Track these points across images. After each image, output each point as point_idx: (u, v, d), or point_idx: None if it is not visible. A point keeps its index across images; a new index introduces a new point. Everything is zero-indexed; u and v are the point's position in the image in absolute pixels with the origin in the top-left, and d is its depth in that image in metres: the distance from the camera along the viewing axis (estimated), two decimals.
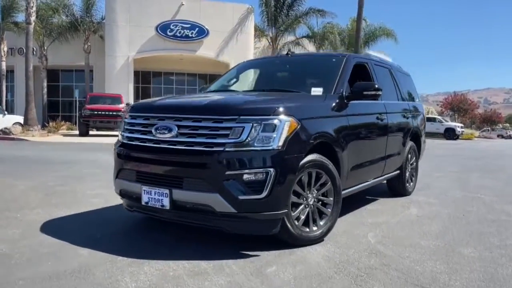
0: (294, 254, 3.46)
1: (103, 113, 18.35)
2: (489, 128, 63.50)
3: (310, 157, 3.56)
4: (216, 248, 3.55)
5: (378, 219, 4.68)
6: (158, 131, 3.53)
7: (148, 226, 4.18)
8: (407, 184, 6.10)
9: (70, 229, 4.05)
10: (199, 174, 3.32)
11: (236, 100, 3.65)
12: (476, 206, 5.60)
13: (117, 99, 20.41)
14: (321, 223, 3.74)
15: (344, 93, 4.27)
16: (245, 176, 3.25)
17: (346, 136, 4.12)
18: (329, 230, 3.81)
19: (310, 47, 32.42)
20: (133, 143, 3.74)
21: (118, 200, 5.27)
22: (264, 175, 3.26)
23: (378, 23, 33.32)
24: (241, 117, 3.30)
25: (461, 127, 39.17)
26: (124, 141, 3.84)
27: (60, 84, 33.21)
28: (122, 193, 3.88)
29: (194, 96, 4.56)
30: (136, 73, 29.91)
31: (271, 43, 31.42)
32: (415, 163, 6.40)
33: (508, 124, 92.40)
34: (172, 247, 3.60)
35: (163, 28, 28.15)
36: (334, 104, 4.09)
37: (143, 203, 3.56)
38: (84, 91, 28.93)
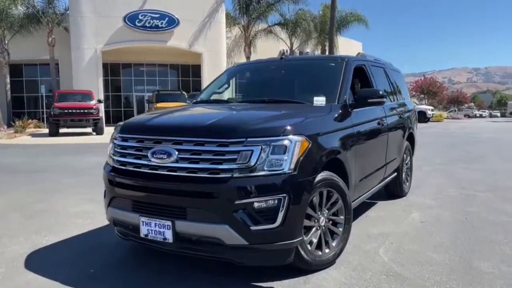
0: (310, 282, 3.22)
1: (74, 111, 17.59)
2: (456, 109, 65.12)
3: (320, 176, 3.31)
4: (225, 278, 3.29)
5: (383, 229, 4.50)
6: (155, 156, 3.19)
7: (146, 252, 3.85)
8: (404, 185, 5.97)
9: (59, 262, 3.68)
10: (204, 204, 3.02)
11: (241, 120, 3.33)
12: (475, 206, 5.52)
13: (87, 95, 19.59)
14: (333, 244, 3.52)
15: (348, 101, 4.02)
16: (256, 204, 2.97)
17: (354, 148, 3.89)
18: (341, 250, 3.59)
19: (282, 35, 32.11)
20: (127, 168, 3.39)
21: (106, 220, 4.94)
22: (277, 202, 2.99)
23: (350, 8, 33.33)
24: (249, 139, 3.00)
25: (432, 110, 39.94)
26: (116, 166, 3.48)
27: (24, 79, 31.77)
28: (116, 223, 3.54)
29: (190, 111, 4.20)
30: (105, 66, 28.91)
31: (243, 32, 30.93)
32: (409, 163, 6.27)
33: (473, 104, 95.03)
34: (175, 278, 3.31)
35: (131, 19, 27.20)
36: (339, 115, 3.84)
37: (142, 235, 3.24)
38: (50, 85, 27.78)
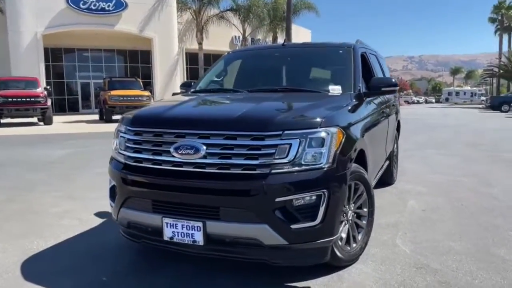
0: (345, 280, 3.09)
1: (19, 99, 16.31)
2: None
3: (351, 168, 3.18)
4: (254, 279, 3.09)
5: (389, 219, 4.47)
6: (180, 151, 2.90)
7: (158, 253, 3.55)
8: (394, 173, 6.01)
9: (61, 270, 3.30)
10: (241, 202, 2.78)
11: (276, 112, 3.09)
12: (463, 192, 5.66)
13: (32, 82, 18.22)
14: (359, 237, 3.42)
15: (362, 90, 3.91)
16: (296, 202, 2.78)
17: (369, 138, 3.78)
18: (366, 244, 3.49)
19: (235, 21, 31.69)
20: (143, 165, 3.07)
21: (96, 219, 4.55)
22: (317, 198, 2.82)
23: None
24: (286, 132, 2.79)
25: None
26: (129, 163, 3.15)
27: None
28: (131, 225, 3.21)
29: (206, 102, 3.88)
30: (45, 50, 27.08)
31: (194, 17, 30.16)
32: (397, 150, 6.33)
33: (411, 91, 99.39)
34: (199, 281, 3.07)
35: (75, 0, 25.65)
36: (358, 105, 3.70)
37: (165, 238, 2.95)
38: None
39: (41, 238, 3.99)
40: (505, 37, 55.40)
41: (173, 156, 2.93)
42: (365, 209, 3.48)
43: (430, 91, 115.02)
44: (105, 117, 19.48)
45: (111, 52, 31.57)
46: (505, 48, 54.66)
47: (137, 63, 31.98)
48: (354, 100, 3.66)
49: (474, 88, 77.33)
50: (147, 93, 19.68)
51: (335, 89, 3.78)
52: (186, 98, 4.02)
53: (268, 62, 4.62)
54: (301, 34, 36.17)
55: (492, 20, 55.16)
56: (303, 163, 2.79)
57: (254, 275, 3.17)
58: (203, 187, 2.85)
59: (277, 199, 2.73)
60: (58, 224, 4.41)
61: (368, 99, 4.00)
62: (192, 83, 4.70)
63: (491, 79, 59.61)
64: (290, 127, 2.82)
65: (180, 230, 2.90)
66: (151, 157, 3.04)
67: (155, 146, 3.04)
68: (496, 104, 34.37)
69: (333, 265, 3.20)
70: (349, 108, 3.48)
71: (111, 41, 29.47)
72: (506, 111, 32.11)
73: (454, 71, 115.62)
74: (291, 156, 2.76)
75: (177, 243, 2.94)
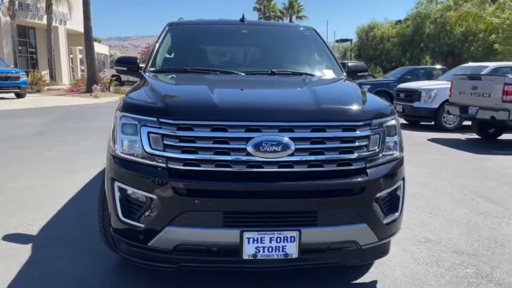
0: (396, 267, 3.12)
1: None
2: None
3: None
4: (319, 282, 2.82)
5: None
6: (262, 149, 2.35)
7: None
8: None
9: None
10: (342, 203, 2.46)
11: (357, 98, 2.77)
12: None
13: None
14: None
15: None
16: (386, 195, 2.64)
17: None
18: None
19: None
20: (203, 169, 2.37)
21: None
22: (399, 189, 2.74)
23: None
24: (374, 121, 2.59)
25: None
26: (176, 167, 2.37)
27: None
28: (179, 249, 2.44)
29: (265, 86, 3.24)
30: None
31: None
32: None
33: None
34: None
35: None
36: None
37: (245, 256, 2.37)
38: None
39: None
40: None
41: (250, 155, 2.36)
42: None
43: None
44: None
45: None
46: None
47: None
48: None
49: None
50: None
51: (329, 74, 3.67)
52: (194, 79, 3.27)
53: (238, 40, 4.09)
54: None
55: (258, 10, 61.60)
56: (386, 154, 2.65)
57: (315, 277, 2.89)
58: (296, 190, 2.40)
59: (377, 195, 2.54)
60: None
61: None
62: (138, 61, 3.80)
63: None
64: (377, 116, 2.63)
65: (268, 245, 2.38)
66: (214, 157, 2.37)
67: (218, 144, 2.38)
68: None
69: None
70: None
71: None
72: None
73: None
74: (380, 147, 2.60)
75: (260, 261, 2.42)
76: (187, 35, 4.13)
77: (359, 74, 4.06)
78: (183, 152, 2.38)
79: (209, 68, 3.63)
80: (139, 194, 2.46)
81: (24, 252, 3.25)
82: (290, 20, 60.16)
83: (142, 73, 3.58)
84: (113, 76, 23.99)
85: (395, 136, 2.74)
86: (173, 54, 3.92)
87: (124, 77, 25.06)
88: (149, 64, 3.67)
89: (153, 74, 3.50)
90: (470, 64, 13.60)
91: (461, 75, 10.06)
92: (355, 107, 2.63)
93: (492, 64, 11.39)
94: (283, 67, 3.70)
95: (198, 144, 2.37)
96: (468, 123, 10.21)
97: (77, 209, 4.23)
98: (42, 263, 3.10)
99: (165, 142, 2.40)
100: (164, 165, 2.39)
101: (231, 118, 2.42)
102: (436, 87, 11.29)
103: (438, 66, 19.09)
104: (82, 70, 39.39)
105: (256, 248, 2.37)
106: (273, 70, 3.56)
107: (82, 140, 8.33)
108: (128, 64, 3.75)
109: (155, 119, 2.44)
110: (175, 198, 2.36)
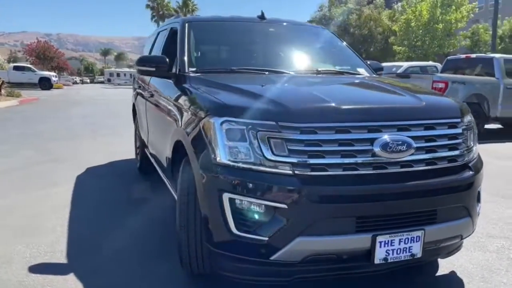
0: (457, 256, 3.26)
1: None
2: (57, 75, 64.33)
3: None
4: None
5: None
6: (389, 149, 2.30)
7: None
8: None
9: None
10: (456, 199, 2.50)
11: (442, 96, 2.84)
12: None
13: None
14: None
15: None
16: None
17: None
18: None
19: None
20: (331, 173, 2.24)
21: None
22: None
23: None
24: (465, 117, 2.69)
25: (55, 76, 38.23)
26: (306, 173, 2.20)
27: None
28: (307, 260, 2.26)
29: (345, 86, 3.08)
30: None
31: None
32: None
33: (56, 72, 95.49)
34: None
35: None
36: None
37: (377, 261, 2.30)
38: None
39: None
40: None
41: (377, 156, 2.30)
42: None
43: (83, 71, 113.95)
44: None
45: None
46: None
47: None
48: None
49: (134, 70, 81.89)
50: None
51: (363, 71, 3.74)
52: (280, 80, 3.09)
53: (268, 39, 3.90)
54: None
55: (151, 8, 59.69)
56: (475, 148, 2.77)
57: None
58: (421, 189, 2.39)
59: (478, 189, 2.64)
60: None
61: None
62: (166, 60, 3.42)
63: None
64: (464, 112, 2.73)
65: (397, 247, 2.34)
66: (341, 160, 2.26)
67: (344, 146, 2.27)
68: None
69: None
70: None
71: None
72: None
73: (105, 52, 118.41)
74: (474, 142, 2.73)
75: (388, 264, 2.36)
76: (213, 33, 3.84)
77: (378, 72, 4.17)
78: (310, 156, 2.22)
79: (255, 67, 3.43)
80: (260, 204, 2.23)
81: None
82: None
83: (184, 74, 3.25)
84: None
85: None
86: (206, 53, 3.63)
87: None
88: (185, 64, 3.33)
89: (202, 75, 3.21)
90: (384, 64, 14.77)
91: (390, 73, 10.90)
92: (452, 104, 2.71)
93: (405, 64, 12.52)
94: (322, 66, 3.65)
95: (324, 148, 2.24)
96: None
97: None
98: None
99: (289, 147, 2.21)
100: (290, 171, 2.21)
101: (353, 119, 2.34)
102: None
103: None
104: None
105: (386, 251, 2.32)
106: (318, 69, 3.49)
107: None
108: (158, 64, 3.35)
109: (273, 123, 2.24)
110: (307, 206, 2.20)
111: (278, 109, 2.31)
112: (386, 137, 2.31)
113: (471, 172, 2.56)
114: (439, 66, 13.31)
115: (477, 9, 26.29)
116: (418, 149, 2.39)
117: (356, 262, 2.35)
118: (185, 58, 3.39)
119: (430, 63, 15.46)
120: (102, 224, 3.85)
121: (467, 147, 2.62)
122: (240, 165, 2.26)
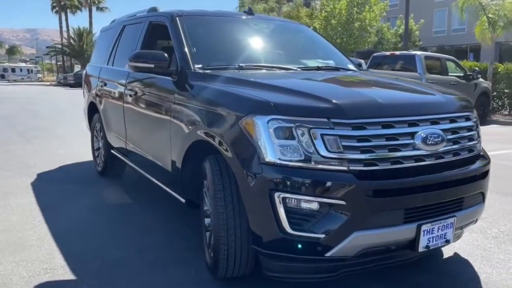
0: None
1: None
2: None
3: None
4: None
5: None
6: (428, 141, 2.42)
7: None
8: None
9: None
10: (477, 186, 2.70)
11: (452, 91, 3.03)
12: None
13: None
14: None
15: None
16: None
17: None
18: None
19: None
20: (382, 167, 2.30)
21: None
22: None
23: None
24: (474, 111, 2.91)
25: None
26: (360, 168, 2.24)
27: None
28: (361, 254, 2.31)
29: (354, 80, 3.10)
30: None
31: None
32: None
33: None
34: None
35: None
36: None
37: (421, 249, 2.42)
38: None
39: None
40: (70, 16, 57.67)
41: (417, 149, 2.42)
42: None
43: None
44: None
45: None
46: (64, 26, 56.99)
47: None
48: None
49: (30, 65, 75.82)
50: None
51: (352, 67, 3.89)
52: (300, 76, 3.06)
53: (264, 35, 3.83)
54: None
55: None
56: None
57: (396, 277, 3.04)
58: (454, 179, 2.55)
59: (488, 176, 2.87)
60: None
61: None
62: (166, 56, 3.23)
63: (56, 56, 60.26)
64: (472, 106, 2.94)
65: (436, 234, 2.48)
66: (389, 154, 2.34)
67: (390, 140, 2.36)
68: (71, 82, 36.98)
69: None
70: None
71: None
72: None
73: None
74: (480, 133, 2.94)
75: (428, 250, 2.50)
76: (207, 28, 3.67)
77: (360, 68, 4.33)
78: (362, 152, 2.27)
79: (260, 64, 3.38)
80: (316, 202, 2.23)
81: None
82: (90, 11, 56.34)
83: (190, 71, 3.10)
84: None
85: None
86: (205, 49, 3.46)
87: None
88: (189, 61, 3.18)
89: (211, 71, 3.10)
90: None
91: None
92: (465, 98, 2.91)
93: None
94: (321, 63, 3.72)
95: (374, 143, 2.30)
96: None
97: None
98: None
99: (343, 143, 2.24)
100: (345, 168, 2.24)
101: (396, 114, 2.43)
102: None
103: None
104: None
105: (428, 239, 2.44)
106: (318, 66, 3.58)
107: None
108: (158, 61, 3.16)
109: (325, 119, 2.25)
110: (363, 201, 2.24)
111: (329, 106, 2.31)
112: (424, 130, 2.42)
113: (486, 160, 2.78)
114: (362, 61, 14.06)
115: (389, 7, 28.19)
116: (448, 141, 2.54)
117: (401, 251, 2.44)
118: (188, 54, 3.24)
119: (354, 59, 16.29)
120: (95, 236, 3.56)
121: (479, 137, 2.84)
122: (291, 163, 2.24)
